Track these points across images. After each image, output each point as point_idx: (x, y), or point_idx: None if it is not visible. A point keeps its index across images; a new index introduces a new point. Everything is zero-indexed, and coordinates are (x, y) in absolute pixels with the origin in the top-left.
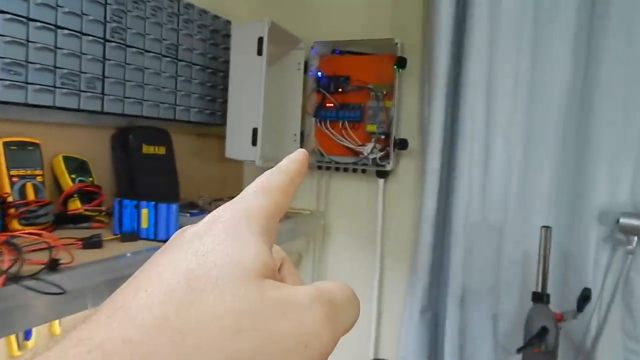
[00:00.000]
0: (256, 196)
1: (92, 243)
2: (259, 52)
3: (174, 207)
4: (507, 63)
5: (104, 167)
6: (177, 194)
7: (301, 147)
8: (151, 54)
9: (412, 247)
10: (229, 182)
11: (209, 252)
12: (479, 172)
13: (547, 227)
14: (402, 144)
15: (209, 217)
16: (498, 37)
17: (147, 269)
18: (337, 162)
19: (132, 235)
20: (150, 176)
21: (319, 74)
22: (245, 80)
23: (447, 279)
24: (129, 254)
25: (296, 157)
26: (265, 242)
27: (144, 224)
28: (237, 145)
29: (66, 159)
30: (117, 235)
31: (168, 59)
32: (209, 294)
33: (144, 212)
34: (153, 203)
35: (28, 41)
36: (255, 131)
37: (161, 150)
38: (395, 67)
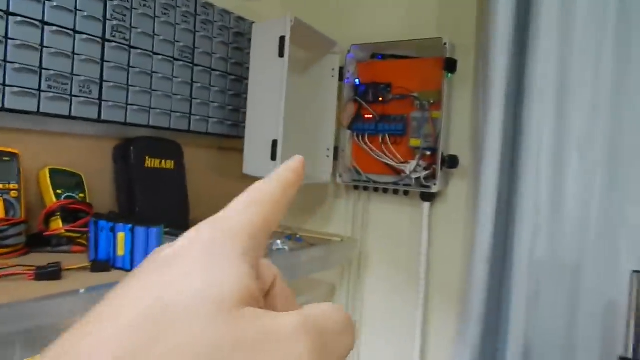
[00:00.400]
0: (242, 210)
1: (48, 274)
2: (281, 54)
3: (155, 231)
4: (584, 64)
5: (104, 183)
6: (185, 215)
7: (334, 163)
8: (160, 57)
9: (462, 285)
10: None
11: (181, 279)
12: (548, 197)
13: (639, 272)
14: (451, 162)
15: (186, 236)
16: (572, 32)
17: (109, 300)
18: (375, 182)
19: (104, 265)
20: (154, 194)
21: (357, 81)
22: (266, 85)
23: (506, 330)
24: (82, 290)
25: (291, 165)
26: (249, 263)
27: (120, 251)
28: (255, 160)
29: (54, 172)
30: (91, 262)
31: (181, 63)
32: (176, 328)
33: (120, 236)
34: (130, 226)
35: (7, 38)
36: (275, 143)
37: (169, 165)
38: (444, 71)
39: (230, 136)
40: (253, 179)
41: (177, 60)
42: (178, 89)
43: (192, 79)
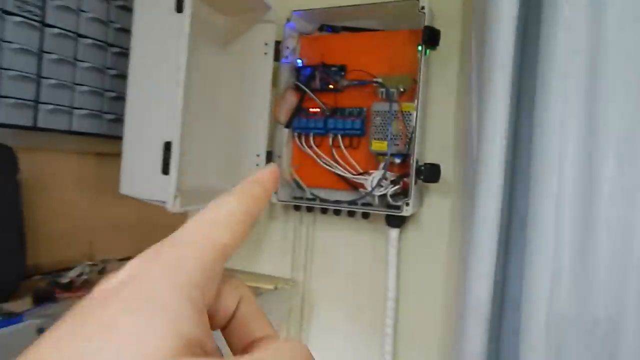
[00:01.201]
0: (196, 233)
1: None
2: (179, 8)
3: None
4: (625, 39)
5: None
6: (19, 262)
7: None
8: None
9: (445, 347)
10: (160, 226)
11: (107, 329)
12: (572, 227)
13: None
14: (430, 173)
15: (127, 270)
16: None
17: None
18: (324, 200)
19: None
20: None
21: (299, 61)
22: (155, 56)
23: None
24: None
25: (260, 177)
26: (194, 302)
27: None
28: (138, 173)
29: None
30: None
31: (19, 19)
32: None
33: None
34: None
35: None
36: (168, 148)
37: None
38: (421, 47)
39: (113, 137)
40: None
41: (11, 14)
42: (14, 61)
43: (40, 47)
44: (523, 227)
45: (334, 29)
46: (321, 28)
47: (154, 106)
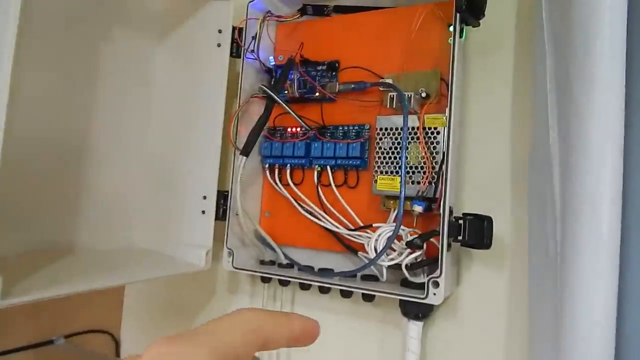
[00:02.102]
0: (237, 336)
1: None
2: None
3: None
4: None
5: None
6: None
7: (220, 227)
8: None
9: None
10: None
11: None
12: None
13: None
14: (475, 231)
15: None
16: None
17: None
18: (304, 270)
19: None
20: None
21: (271, 58)
22: None
23: None
24: None
25: (307, 326)
26: None
27: None
28: None
29: None
30: None
31: None
32: None
33: None
34: None
35: None
36: None
37: None
38: (453, 27)
39: None
40: None
41: None
42: None
43: None
44: None
45: (317, 11)
46: (303, 10)
47: None
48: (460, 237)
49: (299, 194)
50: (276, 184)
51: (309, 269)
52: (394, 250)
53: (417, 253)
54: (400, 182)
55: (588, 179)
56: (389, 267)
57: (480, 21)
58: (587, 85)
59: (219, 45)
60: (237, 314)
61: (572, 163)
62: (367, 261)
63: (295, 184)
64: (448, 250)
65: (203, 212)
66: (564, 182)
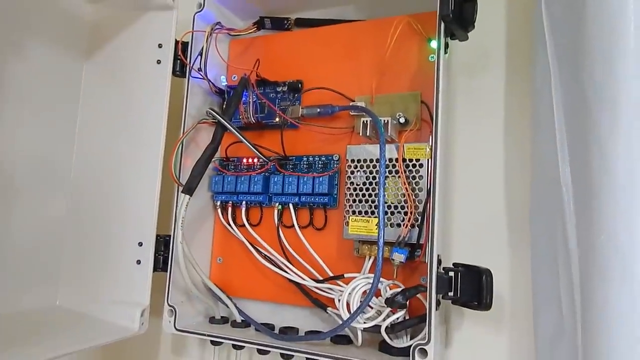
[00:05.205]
0: None
1: None
2: None
3: None
4: None
5: None
6: None
7: (160, 280)
8: None
9: None
10: None
11: None
12: None
13: None
14: (469, 287)
15: None
16: None
17: None
18: (262, 331)
19: None
20: None
21: (223, 78)
22: None
23: None
24: None
25: None
26: None
27: None
28: None
29: None
30: None
31: None
32: None
33: None
34: None
35: None
36: None
37: None
38: (435, 40)
39: None
40: None
41: None
42: None
43: None
44: None
45: (280, 24)
46: (260, 23)
47: None
48: (451, 293)
49: (256, 237)
50: (229, 225)
51: (268, 329)
52: (372, 308)
53: (400, 313)
54: (379, 225)
55: (615, 226)
56: (367, 328)
57: (469, 34)
58: (609, 109)
59: (158, 62)
60: None
61: (594, 206)
62: (338, 320)
63: (251, 225)
64: (437, 309)
65: (138, 261)
66: (581, 230)
